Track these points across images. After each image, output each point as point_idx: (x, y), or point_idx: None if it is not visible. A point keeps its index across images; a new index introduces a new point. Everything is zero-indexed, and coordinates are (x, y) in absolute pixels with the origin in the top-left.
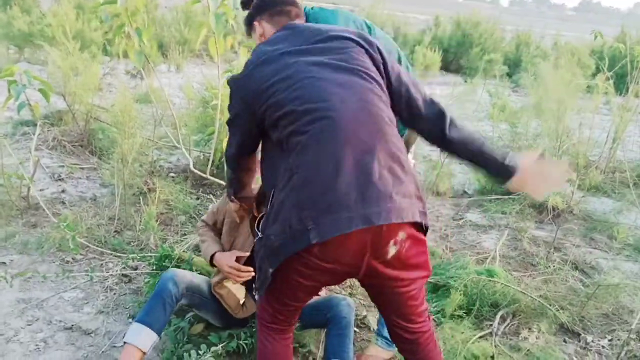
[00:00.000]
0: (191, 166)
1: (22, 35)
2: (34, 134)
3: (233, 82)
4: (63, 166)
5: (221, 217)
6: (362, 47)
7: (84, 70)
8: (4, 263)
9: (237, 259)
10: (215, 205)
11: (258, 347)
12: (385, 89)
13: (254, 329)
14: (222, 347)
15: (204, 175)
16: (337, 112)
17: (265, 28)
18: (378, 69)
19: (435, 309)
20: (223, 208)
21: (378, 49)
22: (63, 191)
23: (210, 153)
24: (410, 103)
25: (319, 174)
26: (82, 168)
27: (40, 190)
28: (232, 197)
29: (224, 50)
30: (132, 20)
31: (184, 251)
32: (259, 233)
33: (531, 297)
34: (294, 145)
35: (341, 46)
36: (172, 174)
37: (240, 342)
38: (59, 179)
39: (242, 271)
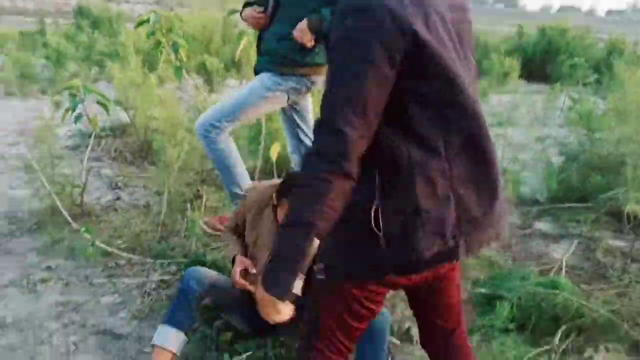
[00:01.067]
0: None
1: (102, 56)
2: (98, 146)
3: None
4: (121, 176)
5: (242, 219)
6: None
7: (143, 84)
8: (50, 267)
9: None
10: (234, 209)
11: None
12: None
13: (282, 339)
14: (247, 356)
15: None
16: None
17: None
18: None
19: (486, 322)
20: (242, 209)
21: None
22: (118, 199)
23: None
24: None
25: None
26: (139, 177)
27: (97, 198)
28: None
29: None
30: (167, 37)
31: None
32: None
33: (600, 311)
34: None
35: None
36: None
37: (269, 351)
38: (116, 187)
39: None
